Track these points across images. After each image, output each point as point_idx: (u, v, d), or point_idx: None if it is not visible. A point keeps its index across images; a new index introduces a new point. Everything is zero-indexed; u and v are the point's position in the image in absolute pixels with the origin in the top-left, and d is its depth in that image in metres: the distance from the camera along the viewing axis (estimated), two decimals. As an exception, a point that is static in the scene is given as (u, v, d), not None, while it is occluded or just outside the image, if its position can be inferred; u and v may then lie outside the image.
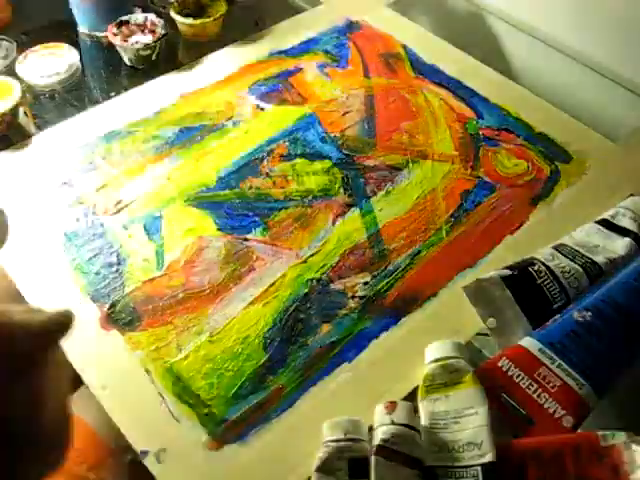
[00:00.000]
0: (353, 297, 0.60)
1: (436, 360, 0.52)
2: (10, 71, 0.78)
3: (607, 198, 0.67)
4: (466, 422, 0.48)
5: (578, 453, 0.46)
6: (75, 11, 0.87)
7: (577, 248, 0.60)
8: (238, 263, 0.62)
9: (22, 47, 0.81)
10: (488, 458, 0.46)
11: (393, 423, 0.48)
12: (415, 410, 0.50)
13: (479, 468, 0.46)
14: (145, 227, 0.65)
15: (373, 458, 0.46)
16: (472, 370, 0.51)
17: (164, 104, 0.77)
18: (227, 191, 0.68)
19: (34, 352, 0.31)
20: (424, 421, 0.49)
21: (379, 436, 0.47)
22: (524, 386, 0.50)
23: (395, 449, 0.46)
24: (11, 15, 0.89)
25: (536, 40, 0.89)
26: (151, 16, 0.84)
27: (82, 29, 0.88)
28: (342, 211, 0.67)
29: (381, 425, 0.48)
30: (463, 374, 0.50)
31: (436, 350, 0.53)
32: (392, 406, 0.49)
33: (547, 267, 0.58)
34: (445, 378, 0.50)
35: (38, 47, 0.81)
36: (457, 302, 0.59)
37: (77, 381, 0.43)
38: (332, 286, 0.61)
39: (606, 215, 0.64)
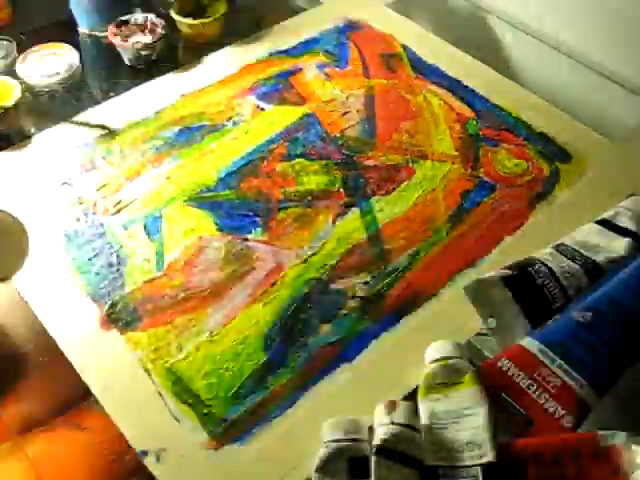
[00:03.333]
0: (353, 297, 0.60)
1: (436, 360, 0.52)
2: (10, 71, 0.78)
3: (607, 198, 0.67)
4: (466, 422, 0.48)
5: (578, 453, 0.46)
6: (75, 11, 0.86)
7: (577, 248, 0.60)
8: (238, 263, 0.62)
9: (22, 47, 0.81)
10: (488, 458, 0.46)
11: (393, 423, 0.48)
12: (415, 410, 0.50)
13: (479, 468, 0.46)
14: (145, 227, 0.65)
15: (373, 458, 0.46)
16: (472, 370, 0.51)
17: (164, 104, 0.77)
18: (227, 191, 0.68)
19: None
20: (424, 421, 0.49)
21: (379, 436, 0.47)
22: (524, 386, 0.50)
23: (395, 449, 0.46)
24: (11, 15, 0.89)
25: (536, 40, 0.89)
26: (151, 16, 0.84)
27: (82, 29, 0.88)
28: (342, 211, 0.67)
29: (381, 425, 0.48)
30: (463, 374, 0.50)
31: (436, 350, 0.53)
32: (392, 406, 0.49)
33: (547, 267, 0.58)
34: (445, 378, 0.50)
35: (38, 47, 0.81)
36: (457, 302, 0.59)
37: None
38: (332, 286, 0.61)
39: (606, 215, 0.64)
